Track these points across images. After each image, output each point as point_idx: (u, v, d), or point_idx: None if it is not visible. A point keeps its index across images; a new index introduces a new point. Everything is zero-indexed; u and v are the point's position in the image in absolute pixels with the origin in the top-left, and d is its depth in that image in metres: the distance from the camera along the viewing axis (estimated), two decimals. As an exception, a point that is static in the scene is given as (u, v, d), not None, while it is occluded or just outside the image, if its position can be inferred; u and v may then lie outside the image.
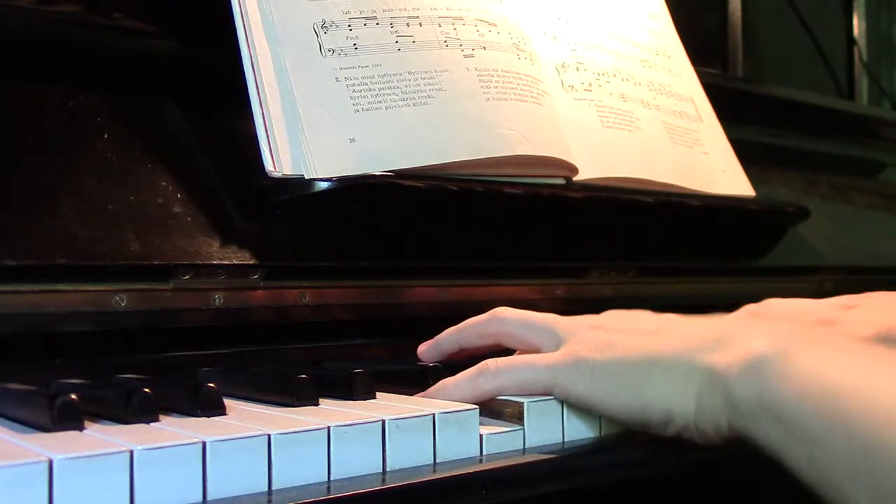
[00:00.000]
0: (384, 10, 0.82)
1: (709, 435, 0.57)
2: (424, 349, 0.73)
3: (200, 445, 0.46)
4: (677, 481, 0.65)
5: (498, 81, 0.84)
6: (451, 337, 0.71)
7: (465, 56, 0.84)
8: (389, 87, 0.79)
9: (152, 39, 0.80)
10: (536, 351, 0.66)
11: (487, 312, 0.70)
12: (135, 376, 0.70)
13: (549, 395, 0.61)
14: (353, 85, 0.78)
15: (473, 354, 0.70)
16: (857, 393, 0.50)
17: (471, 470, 0.53)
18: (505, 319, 0.69)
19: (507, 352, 0.68)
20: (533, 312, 0.68)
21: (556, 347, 0.64)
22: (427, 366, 0.69)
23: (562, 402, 0.61)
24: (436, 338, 0.72)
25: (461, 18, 0.86)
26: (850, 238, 1.35)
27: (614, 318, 0.66)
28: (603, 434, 0.62)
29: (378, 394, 0.62)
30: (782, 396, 0.52)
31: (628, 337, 0.61)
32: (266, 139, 0.74)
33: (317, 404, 0.58)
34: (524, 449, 0.58)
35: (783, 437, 0.52)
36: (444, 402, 0.60)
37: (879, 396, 0.49)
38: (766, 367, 0.53)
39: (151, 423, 0.52)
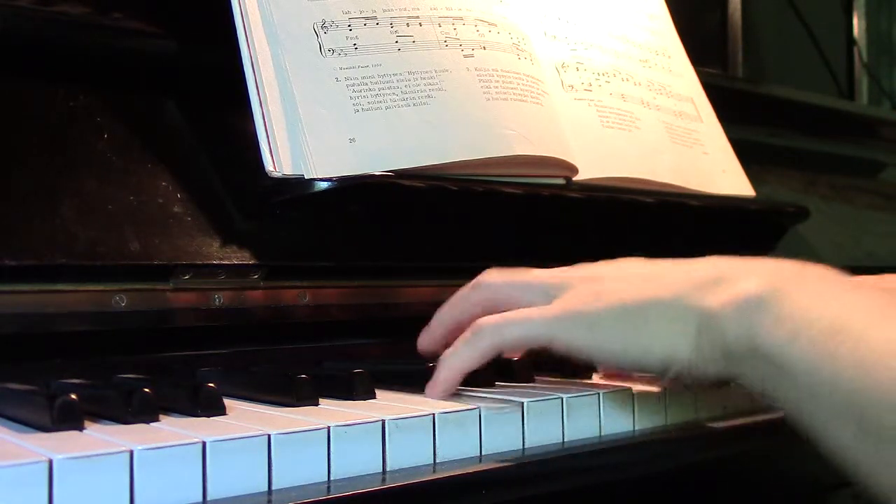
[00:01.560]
0: (384, 10, 0.82)
1: (705, 377, 0.57)
2: (422, 337, 0.71)
3: (200, 445, 0.46)
4: (677, 481, 0.65)
5: (498, 81, 0.84)
6: (444, 315, 0.70)
7: (465, 56, 0.84)
8: (389, 87, 0.79)
9: (152, 39, 0.80)
10: None
11: (472, 281, 0.68)
12: (135, 376, 0.70)
13: (548, 348, 0.61)
14: (353, 85, 0.78)
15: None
16: (846, 335, 0.50)
17: (471, 470, 0.53)
18: (492, 285, 0.67)
19: None
20: (520, 271, 0.67)
21: (549, 303, 0.63)
22: (426, 366, 0.69)
23: (561, 401, 0.61)
24: (429, 323, 0.71)
25: (461, 18, 0.86)
26: (850, 238, 1.35)
27: (607, 268, 0.65)
28: (603, 434, 0.62)
29: (378, 394, 0.62)
30: (773, 337, 0.52)
31: (623, 284, 0.61)
32: (266, 139, 0.74)
33: (317, 404, 0.58)
34: (524, 449, 0.58)
35: (772, 377, 0.53)
36: (444, 402, 0.60)
37: (868, 338, 0.49)
38: (759, 307, 0.53)
39: (151, 423, 0.52)
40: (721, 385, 0.60)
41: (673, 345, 0.57)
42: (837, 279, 0.56)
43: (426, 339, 0.71)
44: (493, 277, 0.68)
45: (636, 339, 0.58)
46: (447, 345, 0.68)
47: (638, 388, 0.66)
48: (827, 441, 0.51)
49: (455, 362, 0.62)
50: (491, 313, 0.69)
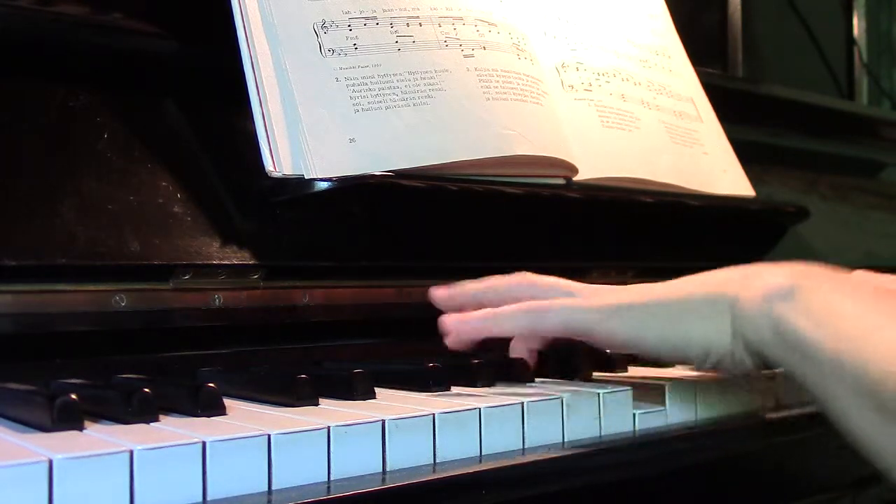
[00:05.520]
0: (384, 10, 0.82)
1: (745, 365, 0.61)
2: (441, 293, 0.73)
3: (200, 445, 0.47)
4: (677, 480, 0.65)
5: (498, 81, 0.84)
6: (471, 290, 0.72)
7: (465, 56, 0.84)
8: (389, 87, 0.79)
9: (152, 39, 0.80)
10: None
11: (515, 275, 0.71)
12: (135, 376, 0.70)
13: (588, 337, 0.65)
14: (353, 85, 0.78)
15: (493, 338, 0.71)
16: (871, 327, 0.53)
17: (471, 470, 0.53)
18: (535, 284, 0.70)
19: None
20: (559, 279, 0.70)
21: None
22: (427, 366, 0.68)
23: (561, 401, 0.61)
24: (454, 288, 0.73)
25: (461, 18, 0.86)
26: (850, 238, 1.35)
27: (632, 285, 0.69)
28: (603, 434, 0.62)
29: (378, 394, 0.62)
30: (800, 326, 0.55)
31: (660, 287, 0.65)
32: (266, 139, 0.74)
33: (317, 404, 0.58)
34: (524, 449, 0.58)
35: (801, 364, 0.56)
36: (444, 402, 0.60)
37: (883, 330, 0.52)
38: (786, 298, 0.57)
39: (151, 423, 0.52)
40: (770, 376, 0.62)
41: (709, 336, 0.61)
42: (858, 279, 0.60)
43: (443, 297, 0.73)
44: (537, 279, 0.71)
45: (676, 330, 0.62)
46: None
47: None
48: (850, 427, 0.53)
49: (508, 323, 0.66)
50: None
